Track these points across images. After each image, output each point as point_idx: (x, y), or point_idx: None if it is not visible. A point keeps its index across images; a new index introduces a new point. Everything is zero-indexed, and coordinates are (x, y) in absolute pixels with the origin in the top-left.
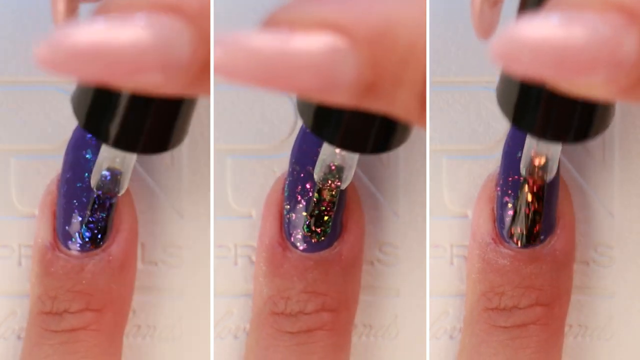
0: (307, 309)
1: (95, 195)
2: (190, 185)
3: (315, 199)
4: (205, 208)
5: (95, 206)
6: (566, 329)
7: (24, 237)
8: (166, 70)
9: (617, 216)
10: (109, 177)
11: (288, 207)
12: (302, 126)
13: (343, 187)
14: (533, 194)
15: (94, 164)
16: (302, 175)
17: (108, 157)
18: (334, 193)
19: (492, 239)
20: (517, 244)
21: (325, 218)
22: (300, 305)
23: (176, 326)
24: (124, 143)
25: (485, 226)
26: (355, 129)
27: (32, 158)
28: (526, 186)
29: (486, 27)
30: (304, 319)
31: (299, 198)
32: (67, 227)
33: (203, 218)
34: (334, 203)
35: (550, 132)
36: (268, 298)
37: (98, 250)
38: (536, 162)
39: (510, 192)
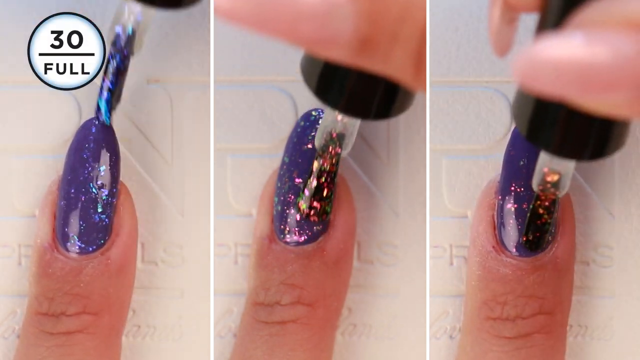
0: (283, 301)
1: (110, 55)
2: (190, 185)
3: (314, 169)
4: (206, 207)
5: (108, 67)
6: (566, 328)
7: (24, 237)
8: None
9: (617, 216)
10: (121, 35)
11: (276, 199)
12: (296, 122)
13: (344, 154)
14: (544, 207)
15: (93, 166)
16: (290, 167)
17: (124, 14)
18: (334, 161)
19: (493, 247)
20: (526, 250)
21: (325, 192)
22: (278, 296)
23: (176, 326)
24: None
25: (486, 234)
26: (358, 94)
27: (32, 158)
28: (538, 201)
29: (503, 43)
30: (279, 310)
31: (286, 190)
32: (66, 229)
33: (203, 217)
34: (334, 174)
35: (567, 149)
36: (253, 288)
37: (97, 253)
38: (549, 179)
39: (512, 201)
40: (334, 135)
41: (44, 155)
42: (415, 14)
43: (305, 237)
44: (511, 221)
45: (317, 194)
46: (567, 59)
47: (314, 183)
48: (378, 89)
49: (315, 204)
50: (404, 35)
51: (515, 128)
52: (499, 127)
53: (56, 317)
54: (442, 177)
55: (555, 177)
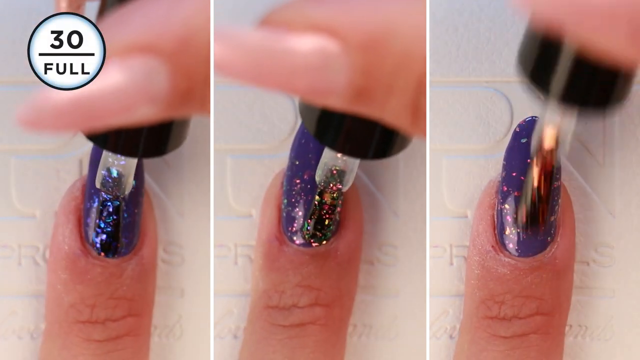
0: (300, 303)
1: (101, 199)
2: (190, 185)
3: (316, 202)
4: (205, 208)
5: (102, 209)
6: (566, 329)
7: (24, 237)
8: (148, 106)
9: (618, 216)
10: (109, 179)
11: (286, 201)
12: (301, 122)
13: (344, 189)
14: (539, 178)
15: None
16: (301, 168)
17: (108, 159)
18: (335, 196)
19: (492, 246)
20: (520, 230)
21: (327, 222)
22: (294, 299)
23: (176, 326)
24: (123, 149)
25: (485, 233)
26: (356, 135)
27: (32, 158)
28: (535, 169)
29: None
30: (297, 312)
31: (297, 192)
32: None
33: (203, 218)
34: (334, 206)
35: (571, 95)
36: (263, 292)
37: (131, 254)
38: (547, 142)
39: (511, 201)
40: (335, 172)
41: (44, 155)
42: (411, 66)
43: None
44: (509, 220)
45: (318, 224)
46: None
47: (316, 216)
48: (375, 131)
49: (317, 233)
50: (399, 86)
51: (515, 129)
52: (499, 127)
53: (101, 323)
54: (442, 177)
55: (553, 140)
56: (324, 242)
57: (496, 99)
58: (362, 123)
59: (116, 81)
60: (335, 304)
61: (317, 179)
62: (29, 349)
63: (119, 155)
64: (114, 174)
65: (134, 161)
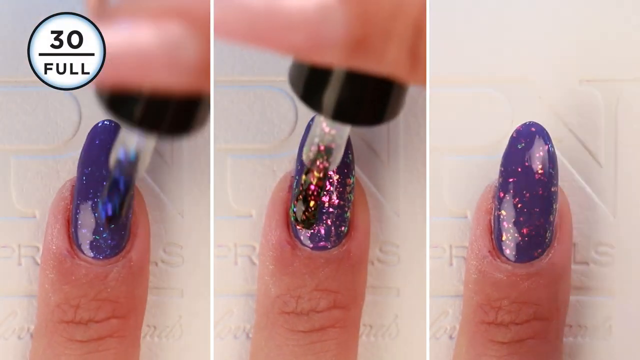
0: (319, 307)
1: (113, 178)
2: (190, 185)
3: (302, 182)
4: (206, 208)
5: (111, 187)
6: (566, 329)
7: (24, 237)
8: (173, 71)
9: (618, 216)
10: (123, 158)
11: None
12: (308, 123)
13: (331, 168)
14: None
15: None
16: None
17: (126, 139)
18: (321, 176)
19: (489, 251)
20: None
21: (312, 203)
22: (312, 303)
23: (176, 326)
24: (146, 124)
25: (482, 239)
26: (347, 98)
27: (32, 158)
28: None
29: None
30: (316, 317)
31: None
32: (84, 231)
33: (203, 218)
34: (321, 188)
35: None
36: (276, 297)
37: (119, 256)
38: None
39: (505, 205)
40: (322, 148)
41: (44, 155)
42: (407, 10)
43: (332, 241)
44: (506, 226)
45: (303, 206)
46: None
47: (301, 196)
48: (366, 93)
49: (302, 216)
50: (397, 32)
51: (512, 135)
52: (499, 127)
53: (84, 324)
54: (442, 177)
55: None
56: (310, 227)
57: (495, 99)
58: (353, 85)
59: (142, 40)
60: (351, 305)
61: (303, 156)
62: (28, 349)
63: (137, 135)
64: (131, 157)
65: (151, 141)
